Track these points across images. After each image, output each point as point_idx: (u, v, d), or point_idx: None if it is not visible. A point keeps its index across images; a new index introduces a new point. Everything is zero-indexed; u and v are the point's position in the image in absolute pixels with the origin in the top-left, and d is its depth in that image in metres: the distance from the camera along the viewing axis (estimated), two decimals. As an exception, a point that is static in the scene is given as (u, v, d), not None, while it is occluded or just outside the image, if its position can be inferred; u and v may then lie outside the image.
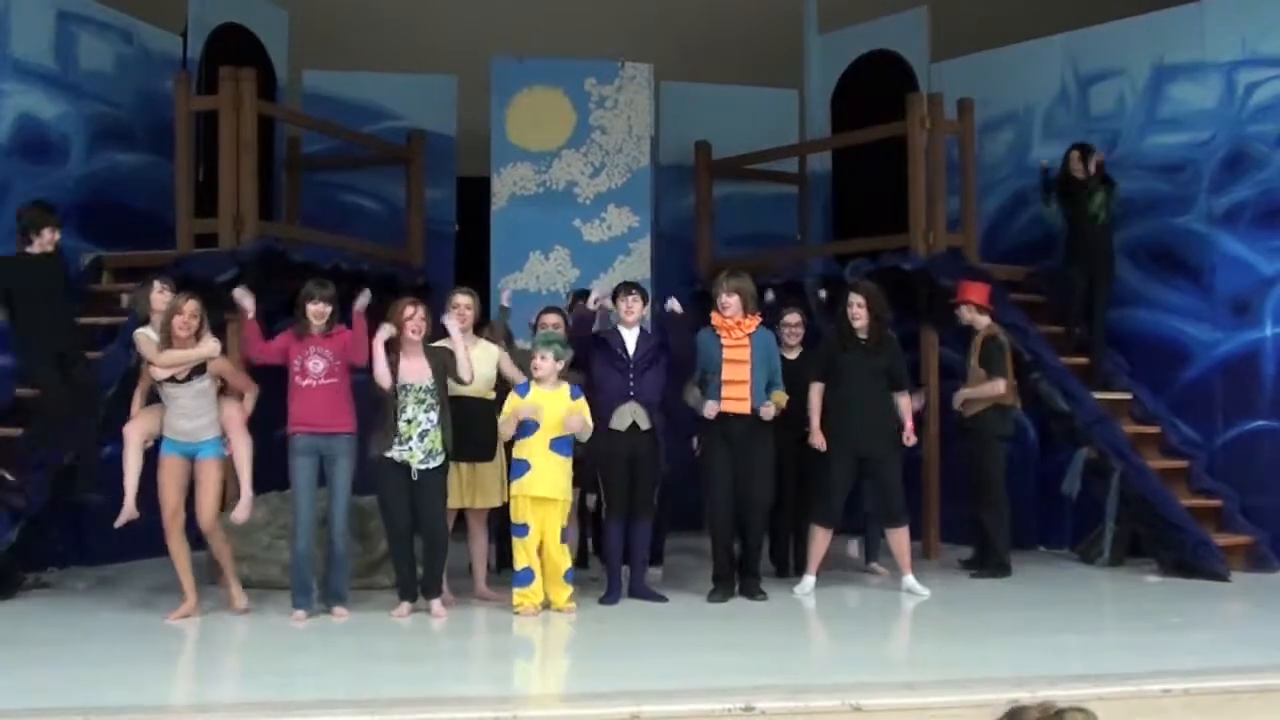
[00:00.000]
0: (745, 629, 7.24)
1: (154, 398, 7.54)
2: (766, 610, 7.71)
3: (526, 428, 7.53)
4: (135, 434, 7.40)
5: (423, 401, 7.43)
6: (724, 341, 7.96)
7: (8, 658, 6.34)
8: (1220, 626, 7.49)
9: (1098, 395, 9.50)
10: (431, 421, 7.44)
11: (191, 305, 7.33)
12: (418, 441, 7.41)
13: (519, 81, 11.08)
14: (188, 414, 7.34)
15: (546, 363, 7.58)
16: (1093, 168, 9.92)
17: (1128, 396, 9.76)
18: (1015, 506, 9.33)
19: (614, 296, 8.13)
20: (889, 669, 6.20)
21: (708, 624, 7.38)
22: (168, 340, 7.27)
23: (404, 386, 7.42)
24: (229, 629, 7.15)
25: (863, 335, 8.24)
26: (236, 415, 7.51)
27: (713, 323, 8.05)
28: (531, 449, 7.52)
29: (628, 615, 7.55)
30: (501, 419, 7.60)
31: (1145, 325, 9.97)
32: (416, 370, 7.48)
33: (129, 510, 7.30)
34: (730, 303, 7.99)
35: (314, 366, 7.45)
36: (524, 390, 7.59)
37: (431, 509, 7.48)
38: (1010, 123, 11.04)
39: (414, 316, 7.52)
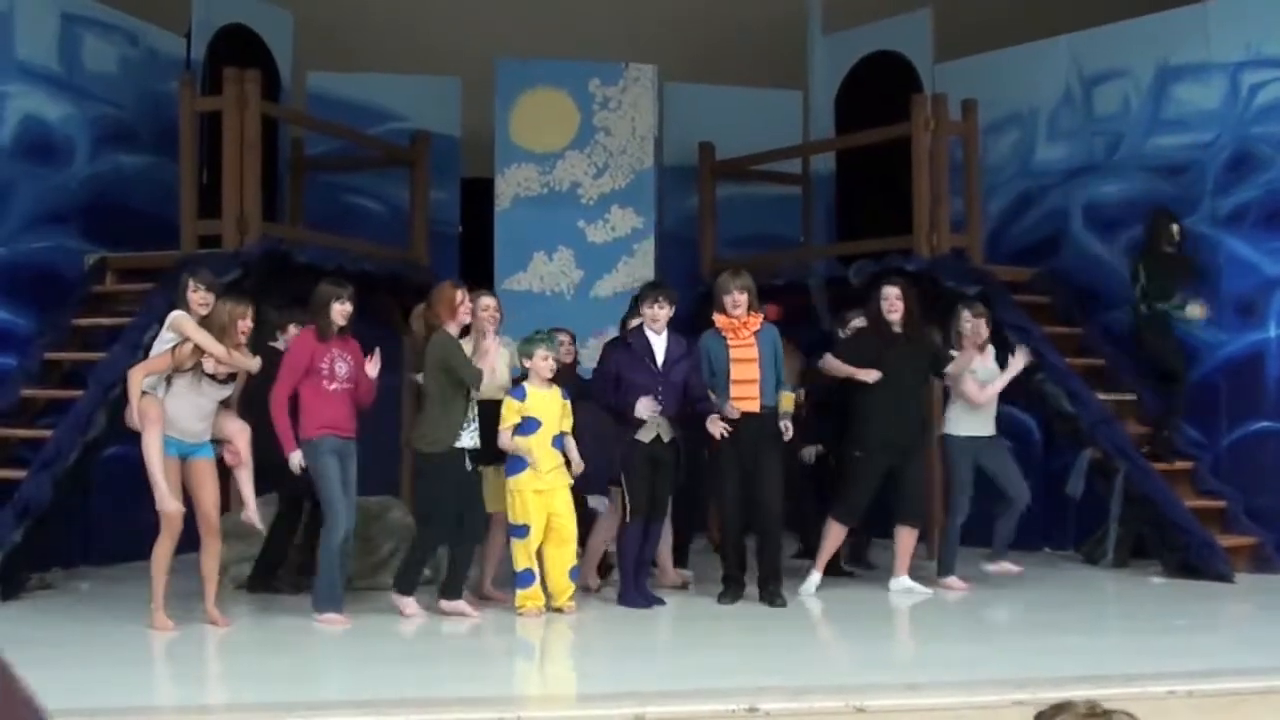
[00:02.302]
0: (748, 630, 7.24)
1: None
2: (769, 611, 7.69)
3: (528, 426, 7.50)
4: (161, 424, 7.04)
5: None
6: (730, 341, 7.90)
7: (10, 658, 6.32)
8: (1224, 628, 7.49)
9: (1102, 396, 9.50)
10: (475, 409, 7.48)
11: (252, 311, 7.24)
12: (469, 425, 7.44)
13: (523, 83, 11.08)
14: (204, 415, 7.18)
15: (549, 361, 7.57)
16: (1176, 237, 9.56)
17: (1133, 397, 9.75)
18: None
19: (640, 300, 7.99)
20: (892, 670, 6.20)
21: (711, 625, 7.38)
22: (226, 343, 7.11)
23: None
24: (231, 631, 7.13)
25: (898, 329, 8.22)
26: (247, 427, 7.39)
27: (717, 324, 7.97)
28: (532, 445, 7.50)
29: (631, 616, 7.54)
30: (506, 427, 7.50)
31: (1150, 326, 9.95)
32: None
33: (177, 511, 7.06)
34: (741, 301, 7.92)
35: (340, 370, 7.37)
36: (520, 394, 7.55)
37: (481, 499, 7.54)
38: (1014, 124, 11.03)
39: (465, 302, 7.52)
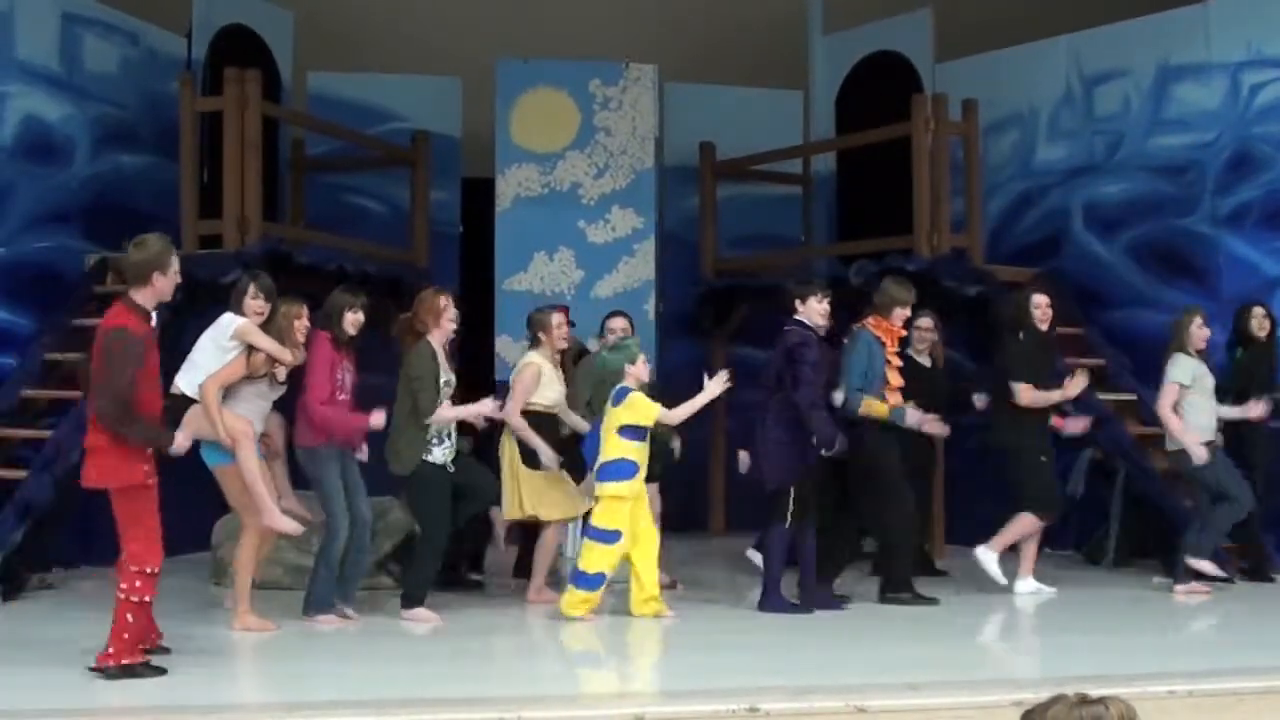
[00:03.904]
0: (749, 630, 7.24)
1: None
2: (770, 611, 7.68)
3: (639, 432, 7.40)
4: (253, 439, 6.95)
5: (451, 398, 7.43)
6: (887, 350, 7.86)
7: (13, 658, 6.34)
8: (1225, 628, 7.48)
9: (1103, 396, 9.49)
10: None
11: (306, 310, 7.18)
12: (451, 439, 7.40)
13: (523, 83, 11.08)
14: (264, 417, 7.10)
15: (649, 365, 7.56)
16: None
17: (1133, 397, 9.74)
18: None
19: (808, 295, 7.68)
20: (892, 670, 6.19)
21: (711, 625, 7.38)
22: (286, 344, 7.05)
23: (449, 382, 7.39)
24: (232, 631, 7.12)
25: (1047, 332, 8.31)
26: (284, 421, 7.34)
27: (877, 328, 7.87)
28: (639, 453, 7.42)
29: (632, 616, 7.53)
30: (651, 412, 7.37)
31: (1150, 326, 9.95)
32: (445, 363, 7.44)
33: (287, 521, 7.00)
34: (908, 314, 7.96)
35: (348, 381, 7.32)
36: (628, 394, 7.45)
37: (489, 484, 7.55)
38: (1015, 124, 11.04)
39: (449, 309, 7.45)
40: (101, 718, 5.17)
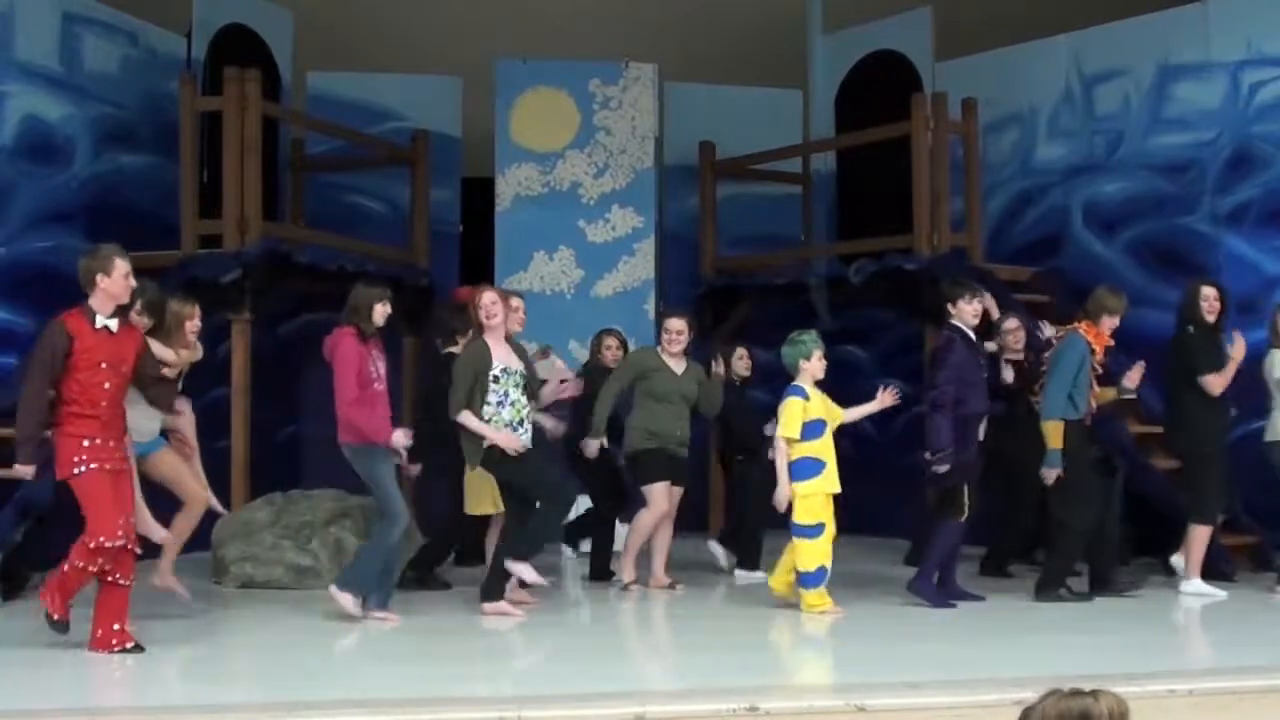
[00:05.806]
0: (749, 629, 7.24)
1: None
2: (770, 611, 7.70)
3: (815, 428, 7.40)
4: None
5: (519, 385, 7.42)
6: (1096, 355, 7.91)
7: (11, 657, 6.34)
8: (1225, 626, 7.48)
9: (1103, 395, 9.50)
10: (526, 405, 7.45)
11: (198, 310, 7.25)
12: (520, 426, 7.39)
13: (523, 82, 11.09)
14: (154, 415, 7.12)
15: (824, 361, 7.53)
16: None
17: (1133, 396, 9.73)
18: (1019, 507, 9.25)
19: (956, 297, 7.75)
20: (893, 669, 6.19)
21: (711, 624, 7.38)
22: (172, 344, 7.11)
23: (506, 371, 7.38)
24: (235, 629, 7.14)
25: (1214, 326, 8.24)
26: (192, 416, 7.40)
27: (1088, 335, 7.91)
28: (823, 449, 7.42)
29: (630, 616, 7.54)
30: (791, 431, 7.33)
31: (1150, 325, 9.92)
32: (506, 355, 7.44)
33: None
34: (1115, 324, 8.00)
35: (381, 370, 7.29)
36: (803, 393, 7.42)
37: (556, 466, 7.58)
38: (1015, 123, 11.04)
39: (496, 303, 7.45)
40: (101, 718, 5.17)
